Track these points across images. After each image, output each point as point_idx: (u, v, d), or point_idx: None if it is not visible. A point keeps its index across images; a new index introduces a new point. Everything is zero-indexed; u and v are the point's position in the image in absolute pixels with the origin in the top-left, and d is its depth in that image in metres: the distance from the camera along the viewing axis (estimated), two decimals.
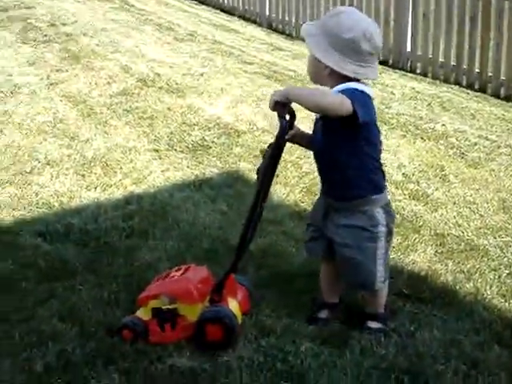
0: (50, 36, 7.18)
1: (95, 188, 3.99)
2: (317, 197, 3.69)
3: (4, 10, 8.26)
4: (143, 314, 2.56)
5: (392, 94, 6.03)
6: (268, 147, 2.45)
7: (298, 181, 4.00)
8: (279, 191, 3.84)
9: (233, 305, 2.53)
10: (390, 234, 2.48)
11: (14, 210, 3.77)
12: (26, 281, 3.00)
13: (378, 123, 5.05)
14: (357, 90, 2.29)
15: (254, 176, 4.02)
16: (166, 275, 2.63)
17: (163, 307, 2.51)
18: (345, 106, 2.19)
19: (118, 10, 8.71)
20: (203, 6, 10.74)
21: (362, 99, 2.27)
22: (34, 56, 6.59)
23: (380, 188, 2.45)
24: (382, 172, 2.48)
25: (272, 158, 2.42)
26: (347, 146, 2.34)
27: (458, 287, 2.88)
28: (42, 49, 6.79)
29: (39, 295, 2.89)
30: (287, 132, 2.39)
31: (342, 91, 2.26)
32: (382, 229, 2.42)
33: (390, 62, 7.55)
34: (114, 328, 2.54)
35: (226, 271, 2.54)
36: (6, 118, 5.17)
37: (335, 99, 2.23)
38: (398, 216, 3.53)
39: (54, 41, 7.01)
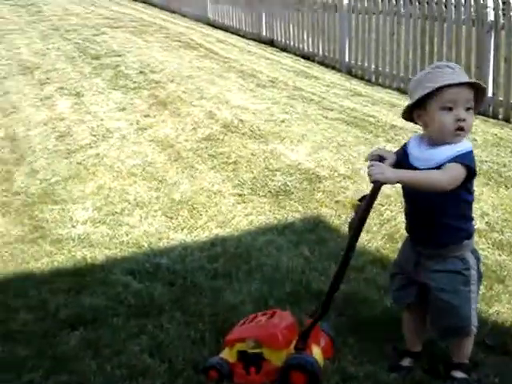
0: (139, 83, 7.55)
1: (182, 230, 4.16)
2: (399, 244, 3.74)
3: (96, 58, 8.74)
4: (229, 355, 2.64)
5: (474, 140, 5.98)
6: (359, 200, 2.50)
7: (380, 228, 4.04)
8: (361, 238, 3.88)
9: (316, 352, 2.58)
10: (480, 277, 2.52)
11: (106, 248, 3.98)
12: (117, 316, 3.16)
13: None
14: (471, 149, 2.35)
15: (336, 221, 4.14)
16: (252, 319, 2.71)
17: (249, 351, 2.59)
18: (460, 178, 2.28)
19: (203, 57, 9.06)
20: (284, 53, 11.02)
21: (472, 157, 2.34)
22: (124, 102, 6.95)
23: (471, 233, 2.49)
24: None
25: (363, 216, 2.47)
26: (448, 195, 2.35)
27: None
28: (131, 95, 7.15)
29: (129, 331, 3.03)
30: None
31: (463, 156, 2.30)
32: (473, 272, 2.46)
33: None
34: (201, 367, 2.64)
35: (313, 320, 2.60)
36: (99, 161, 5.47)
37: (452, 178, 2.28)
38: (481, 266, 3.52)
39: (143, 87, 7.37)
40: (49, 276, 3.73)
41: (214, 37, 11.75)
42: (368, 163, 2.36)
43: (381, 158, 2.47)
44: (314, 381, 2.49)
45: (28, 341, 3.04)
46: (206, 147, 5.58)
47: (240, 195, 4.64)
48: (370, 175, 2.30)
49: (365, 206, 2.43)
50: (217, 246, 3.89)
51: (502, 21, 7.13)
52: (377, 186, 2.36)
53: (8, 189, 5.11)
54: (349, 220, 2.58)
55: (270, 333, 2.58)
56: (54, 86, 7.53)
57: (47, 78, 7.85)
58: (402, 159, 2.47)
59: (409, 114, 2.49)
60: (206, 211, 4.42)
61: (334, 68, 9.94)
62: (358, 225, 2.48)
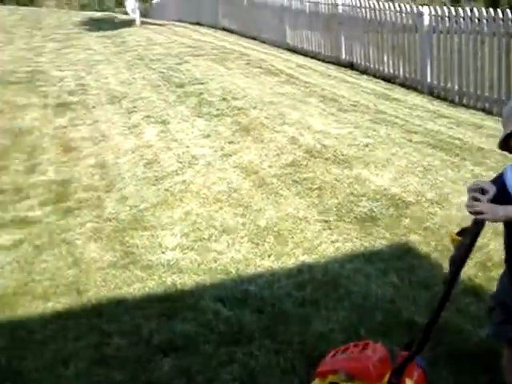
0: (222, 110, 7.70)
1: (269, 256, 4.19)
2: (492, 273, 3.63)
3: (180, 86, 8.98)
4: None
5: None
6: (457, 234, 2.44)
7: (472, 255, 3.92)
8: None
9: None
10: None
11: (195, 274, 4.06)
12: (207, 343, 3.22)
13: None
14: None
15: (425, 249, 4.06)
16: (343, 350, 2.69)
17: (340, 383, 2.57)
18: None
19: (284, 83, 9.15)
20: (364, 76, 10.97)
21: None
22: (208, 129, 7.10)
23: None
24: None
25: (466, 255, 2.42)
26: None
27: None
28: (215, 122, 7.30)
29: (220, 358, 3.08)
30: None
31: None
32: None
33: None
34: None
35: (410, 355, 2.54)
36: (185, 187, 5.60)
37: None
38: None
39: (226, 114, 7.51)
40: (140, 301, 3.84)
41: (293, 62, 11.84)
42: (468, 197, 2.28)
43: (482, 191, 2.40)
44: None
45: (122, 366, 3.14)
46: (290, 173, 5.62)
47: (326, 221, 4.63)
48: (475, 212, 2.22)
49: (467, 245, 2.37)
50: (304, 273, 3.90)
51: None
52: (481, 223, 2.29)
53: (99, 215, 5.30)
54: (449, 256, 2.52)
55: (363, 366, 2.54)
56: (141, 115, 7.79)
57: (134, 107, 8.13)
58: (501, 190, 2.39)
59: (504, 143, 2.42)
60: (292, 238, 4.43)
61: (415, 89, 9.81)
62: (459, 264, 2.42)
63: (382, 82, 10.46)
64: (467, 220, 4.32)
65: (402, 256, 4.01)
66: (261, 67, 10.43)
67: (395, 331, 3.12)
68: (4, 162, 7.05)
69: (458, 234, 2.44)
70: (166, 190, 5.59)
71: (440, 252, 3.97)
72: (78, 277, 4.27)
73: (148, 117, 7.73)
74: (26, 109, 8.32)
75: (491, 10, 8.29)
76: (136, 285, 4.04)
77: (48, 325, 3.67)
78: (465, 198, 4.18)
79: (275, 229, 4.59)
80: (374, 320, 3.30)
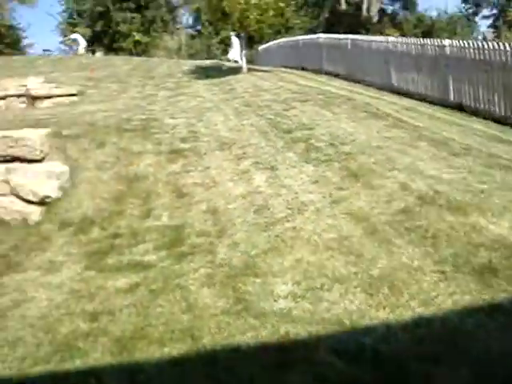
0: (329, 155, 7.71)
1: (384, 308, 4.10)
2: None
3: (288, 132, 9.08)
4: None
5: None
6: None
7: None
8: None
9: None
10: None
11: (308, 324, 4.03)
12: None
13: None
14: None
15: None
16: None
17: None
18: None
19: (391, 127, 9.06)
20: (474, 118, 10.70)
21: None
22: (316, 175, 7.12)
23: None
24: None
25: None
26: None
27: None
28: (323, 167, 7.30)
29: None
30: None
31: None
32: None
33: None
34: None
35: None
36: (295, 234, 5.61)
37: None
38: None
39: (334, 160, 7.50)
40: (254, 350, 3.85)
41: (400, 105, 11.73)
42: None
43: None
44: None
45: None
46: (402, 220, 5.50)
47: (442, 272, 4.48)
48: None
49: None
50: (421, 327, 3.79)
51: None
52: None
53: (212, 260, 5.41)
54: None
55: None
56: (250, 161, 7.93)
57: (243, 153, 8.29)
58: None
59: None
60: (407, 289, 4.32)
61: None
62: None
63: (493, 124, 10.14)
64: None
65: None
66: (367, 111, 10.40)
67: None
68: (120, 206, 7.37)
69: None
70: (277, 236, 5.63)
71: None
72: (192, 322, 4.35)
73: (257, 163, 7.86)
74: (141, 155, 8.68)
75: None
76: (249, 333, 4.06)
77: (165, 371, 3.76)
78: None
79: (389, 279, 4.50)
80: (497, 380, 3.14)
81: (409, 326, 3.82)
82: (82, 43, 27.97)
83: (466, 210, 5.53)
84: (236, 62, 23.86)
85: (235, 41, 24.21)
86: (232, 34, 23.80)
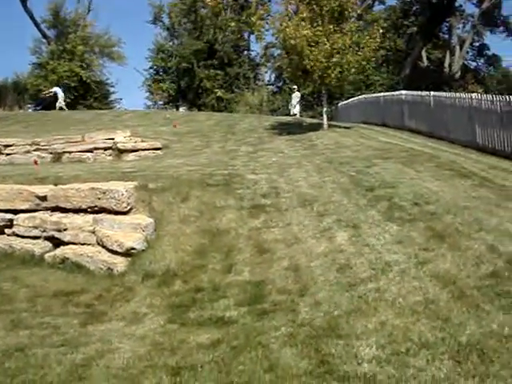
0: (414, 214, 7.58)
1: (473, 377, 3.94)
2: None
3: (370, 190, 9.02)
4: None
5: None
6: None
7: None
8: None
9: None
10: None
11: None
12: None
13: None
14: None
15: None
16: None
17: None
18: None
19: (477, 186, 8.85)
20: None
21: None
22: (400, 234, 7.00)
23: None
24: None
25: None
26: None
27: None
28: (407, 227, 7.19)
29: None
30: None
31: None
32: None
33: None
34: None
35: None
36: (379, 295, 5.51)
37: None
38: None
39: (419, 219, 7.37)
40: None
41: (485, 163, 11.46)
42: None
43: None
44: None
45: None
46: (492, 284, 5.32)
47: None
48: None
49: None
50: None
51: None
52: None
53: (294, 320, 5.37)
54: None
55: None
56: (332, 218, 7.90)
57: (325, 210, 8.27)
58: None
59: None
60: (498, 357, 4.14)
61: None
62: None
63: None
64: None
65: None
66: (452, 169, 10.22)
67: None
68: (202, 260, 7.46)
69: None
70: (360, 297, 5.54)
71: None
72: (274, 383, 4.30)
73: (339, 220, 7.82)
74: (223, 210, 8.81)
75: None
76: None
77: None
78: None
79: (478, 346, 4.33)
80: None
81: None
82: (61, 96, 28.22)
83: None
84: (294, 115, 24.18)
85: (296, 95, 24.58)
86: (294, 87, 24.15)
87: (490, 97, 14.46)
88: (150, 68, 40.57)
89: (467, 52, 41.99)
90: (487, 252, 6.06)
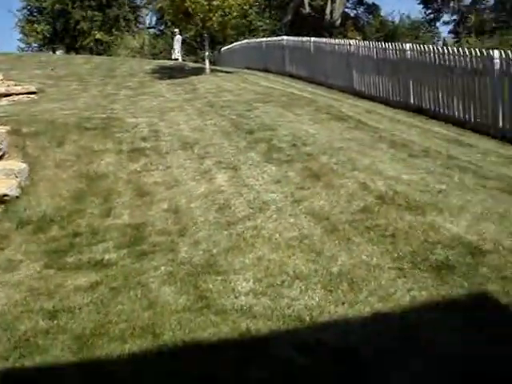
0: (292, 156, 7.77)
1: (343, 304, 4.16)
2: None
3: (250, 132, 9.12)
4: None
5: None
6: None
7: None
8: None
9: None
10: None
11: (268, 320, 4.06)
12: None
13: None
14: None
15: (504, 299, 3.94)
16: None
17: None
18: None
19: (353, 129, 9.17)
20: (433, 121, 10.89)
21: None
22: (278, 175, 7.16)
23: None
24: None
25: None
26: None
27: None
28: (285, 168, 7.36)
29: None
30: None
31: None
32: None
33: None
34: None
35: None
36: (257, 233, 5.64)
37: None
38: None
39: (296, 160, 7.56)
40: (215, 347, 3.86)
41: (361, 107, 11.88)
42: None
43: None
44: None
45: None
46: (362, 219, 5.59)
47: (400, 269, 4.57)
48: None
49: None
50: (380, 323, 3.85)
51: None
52: None
53: (173, 259, 5.40)
54: None
55: None
56: (212, 160, 7.94)
57: (206, 153, 8.29)
58: None
59: None
60: (366, 285, 4.39)
61: (487, 134, 9.66)
62: None
63: (453, 127, 10.34)
64: None
65: (481, 306, 3.92)
66: (329, 113, 10.51)
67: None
68: (80, 205, 7.29)
69: None
70: (238, 235, 5.65)
71: None
72: (153, 320, 4.34)
73: (219, 162, 7.87)
74: (102, 154, 8.61)
75: None
76: (210, 329, 4.07)
77: (126, 368, 3.74)
78: None
79: (348, 276, 4.57)
80: (458, 375, 3.21)
81: (368, 322, 3.88)
82: None
83: (425, 209, 5.64)
84: (176, 59, 23.91)
85: (177, 39, 24.25)
86: (176, 30, 23.80)
87: (367, 44, 14.89)
88: (24, 8, 38.27)
89: (347, 0, 42.79)
90: (359, 190, 6.34)
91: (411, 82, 12.42)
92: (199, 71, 17.97)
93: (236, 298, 4.48)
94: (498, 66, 9.67)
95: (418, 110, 11.97)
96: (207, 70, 17.75)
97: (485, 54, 10.03)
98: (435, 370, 3.24)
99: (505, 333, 3.57)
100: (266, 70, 20.31)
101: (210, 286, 4.74)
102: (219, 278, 4.86)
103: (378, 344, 3.59)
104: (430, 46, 12.11)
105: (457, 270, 4.46)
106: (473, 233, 5.08)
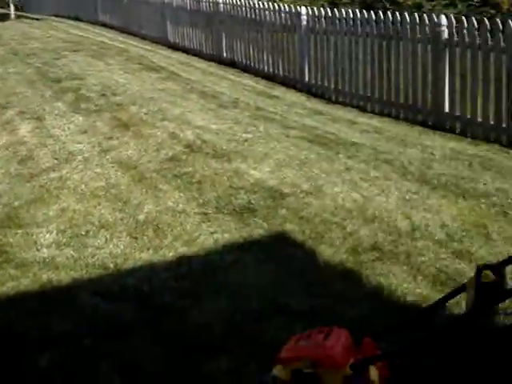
0: (100, 106, 7.56)
1: (148, 249, 4.18)
2: (361, 257, 3.83)
3: (57, 81, 8.72)
4: (283, 373, 2.49)
5: (432, 154, 6.15)
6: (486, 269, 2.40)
7: (343, 241, 4.11)
8: (324, 251, 3.97)
9: (374, 373, 2.47)
10: None
11: (71, 270, 3.97)
12: (86, 338, 3.16)
13: (419, 184, 5.17)
14: None
15: (300, 237, 4.19)
16: (307, 335, 2.57)
17: (304, 370, 2.46)
18: None
19: (165, 79, 9.11)
20: (245, 74, 11.13)
21: None
22: (85, 125, 6.95)
23: None
24: None
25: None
26: None
27: None
28: (93, 118, 7.15)
29: (100, 351, 3.04)
30: None
31: None
32: None
33: (430, 123, 7.71)
34: None
35: (386, 355, 2.53)
36: (62, 184, 5.45)
37: None
38: (442, 274, 3.62)
39: (105, 110, 7.38)
40: (15, 299, 3.70)
41: (174, 59, 11.82)
42: None
43: None
44: None
45: None
46: (170, 168, 5.61)
47: (205, 214, 4.67)
48: None
49: None
50: (183, 266, 3.92)
51: (455, 38, 7.37)
52: None
53: None
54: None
55: (328, 354, 2.44)
56: (15, 110, 7.49)
57: (7, 103, 7.80)
58: None
59: None
60: (172, 231, 4.44)
61: (294, 88, 10.08)
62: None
63: (263, 81, 10.65)
64: (339, 209, 4.55)
65: (279, 245, 4.13)
66: (141, 63, 10.34)
67: (274, 318, 3.22)
68: None
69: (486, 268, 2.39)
70: (42, 186, 5.41)
71: (314, 239, 4.14)
72: None
73: (22, 113, 7.45)
74: None
75: (365, 12, 8.67)
76: (10, 283, 3.89)
77: None
78: (338, 189, 4.42)
79: (154, 222, 4.58)
80: (253, 308, 3.36)
81: (171, 266, 3.93)
82: None
83: (230, 157, 5.80)
84: None
85: None
86: None
87: None
88: None
89: None
90: (168, 139, 6.35)
91: (224, 35, 12.53)
92: (3, 17, 16.74)
93: (38, 250, 4.31)
94: (304, 23, 10.05)
95: (231, 64, 12.15)
96: (12, 16, 16.58)
97: (293, 10, 10.38)
98: (233, 307, 3.37)
99: (299, 267, 3.80)
100: (78, 19, 19.39)
101: (11, 239, 4.52)
102: (20, 231, 4.64)
103: (180, 286, 3.65)
104: (243, 0, 12.27)
105: (258, 212, 4.65)
106: (275, 178, 5.33)
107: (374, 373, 2.46)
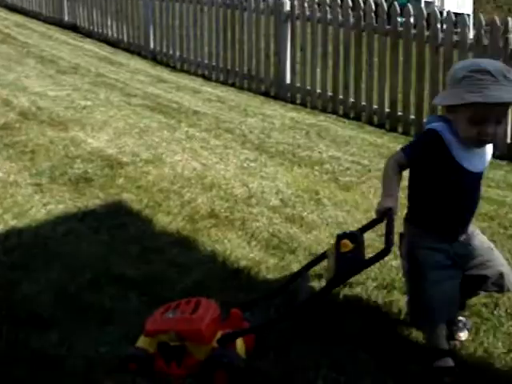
0: None
1: None
2: (198, 224, 3.86)
3: None
4: (149, 345, 2.50)
5: (272, 123, 6.32)
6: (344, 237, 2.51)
7: (181, 210, 4.12)
8: (161, 220, 3.96)
9: (240, 345, 2.51)
10: None
11: None
12: None
13: (258, 152, 5.31)
14: None
15: (136, 206, 4.15)
16: (174, 306, 2.57)
17: (171, 343, 2.46)
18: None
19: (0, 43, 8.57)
20: (88, 39, 10.75)
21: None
22: None
23: None
24: None
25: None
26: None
27: None
28: None
29: None
30: None
31: None
32: None
33: (272, 93, 7.91)
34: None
35: (255, 328, 2.61)
36: None
37: None
38: (275, 239, 3.75)
39: None
40: None
41: (11, 21, 11.15)
42: None
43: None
44: (235, 375, 2.42)
45: None
46: (1, 136, 5.30)
47: (38, 185, 4.47)
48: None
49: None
50: (12, 238, 3.72)
51: (297, 11, 7.59)
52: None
53: None
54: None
55: (195, 328, 2.44)
56: None
57: None
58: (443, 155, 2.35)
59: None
60: (1, 203, 4.20)
61: (139, 54, 9.90)
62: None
63: (107, 46, 10.35)
64: (178, 178, 4.55)
65: (115, 214, 4.05)
66: None
67: (105, 287, 3.17)
68: None
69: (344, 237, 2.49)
70: None
71: (151, 208, 4.11)
72: None
73: None
74: None
75: None
76: None
77: None
78: (178, 157, 4.46)
79: None
80: (84, 277, 3.28)
81: (0, 239, 3.73)
82: None
83: (67, 125, 5.59)
84: None
85: None
86: None
87: None
88: None
89: None
90: (1, 106, 5.99)
91: None
92: None
93: None
94: None
95: (73, 28, 11.68)
96: None
97: None
98: (65, 278, 3.28)
99: (135, 236, 3.76)
100: None
101: None
102: None
103: (9, 259, 3.47)
104: None
105: (94, 182, 4.53)
106: (113, 147, 5.21)
107: (240, 345, 2.52)
